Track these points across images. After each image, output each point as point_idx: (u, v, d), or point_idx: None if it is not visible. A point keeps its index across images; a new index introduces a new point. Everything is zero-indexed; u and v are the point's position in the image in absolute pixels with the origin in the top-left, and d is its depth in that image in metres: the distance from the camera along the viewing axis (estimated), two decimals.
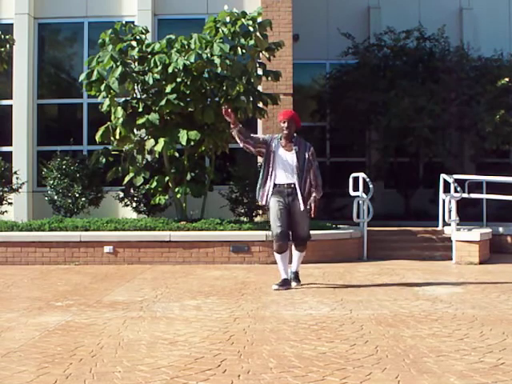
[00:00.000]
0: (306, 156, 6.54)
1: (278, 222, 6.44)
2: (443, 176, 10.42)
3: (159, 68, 9.10)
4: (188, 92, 9.28)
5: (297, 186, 6.45)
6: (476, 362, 3.78)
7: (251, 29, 9.41)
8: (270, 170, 6.50)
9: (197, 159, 10.36)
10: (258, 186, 6.63)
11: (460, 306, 5.59)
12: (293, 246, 6.74)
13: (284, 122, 6.52)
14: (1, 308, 5.55)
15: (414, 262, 9.17)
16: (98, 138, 9.46)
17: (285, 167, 6.47)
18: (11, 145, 11.70)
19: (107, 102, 9.26)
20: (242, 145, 6.53)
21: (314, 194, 6.51)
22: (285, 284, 6.55)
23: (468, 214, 11.19)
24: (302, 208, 6.44)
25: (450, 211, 9.66)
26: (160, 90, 9.38)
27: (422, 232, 10.43)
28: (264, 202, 6.58)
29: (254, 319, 5.03)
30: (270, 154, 6.49)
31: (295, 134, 6.64)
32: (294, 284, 6.68)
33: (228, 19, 9.43)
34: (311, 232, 8.10)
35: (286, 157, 6.49)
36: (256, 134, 11.56)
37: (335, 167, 14.33)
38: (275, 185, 6.47)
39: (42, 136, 12.06)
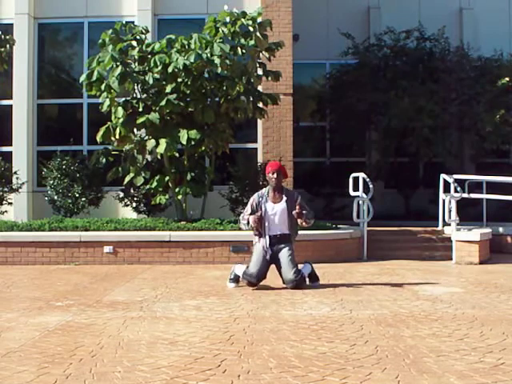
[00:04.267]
0: (295, 202, 6.64)
1: (257, 265, 6.53)
2: (443, 176, 10.42)
3: (159, 68, 9.11)
4: (188, 92, 9.29)
5: (290, 234, 6.66)
6: (476, 362, 3.77)
7: (251, 29, 9.41)
8: (264, 224, 6.58)
9: (197, 159, 10.36)
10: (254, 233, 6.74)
11: (460, 306, 5.59)
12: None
13: (273, 173, 6.65)
14: (1, 308, 5.55)
15: (414, 262, 9.17)
16: (98, 138, 9.46)
17: (276, 218, 6.59)
18: (11, 145, 11.70)
19: (107, 102, 9.26)
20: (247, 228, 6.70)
21: (304, 217, 6.55)
22: (237, 280, 6.72)
23: (468, 214, 11.19)
24: (290, 252, 6.57)
25: (449, 211, 9.67)
26: (160, 90, 9.38)
27: (422, 232, 10.43)
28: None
29: (254, 319, 5.03)
30: (263, 210, 6.59)
31: (282, 186, 6.80)
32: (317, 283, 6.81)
33: (228, 19, 9.43)
34: (311, 232, 8.10)
35: (276, 208, 6.60)
36: (256, 134, 11.67)
37: (335, 167, 14.35)
38: (270, 236, 6.59)
39: (42, 136, 12.06)
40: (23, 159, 11.60)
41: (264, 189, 6.87)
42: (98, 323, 4.89)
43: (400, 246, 9.89)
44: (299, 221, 6.56)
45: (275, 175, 6.63)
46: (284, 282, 6.60)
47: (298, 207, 6.48)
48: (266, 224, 6.57)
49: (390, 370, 3.61)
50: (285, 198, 6.64)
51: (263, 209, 6.59)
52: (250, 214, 6.60)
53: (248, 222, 6.58)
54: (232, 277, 6.75)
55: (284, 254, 6.56)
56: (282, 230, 6.62)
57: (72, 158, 10.71)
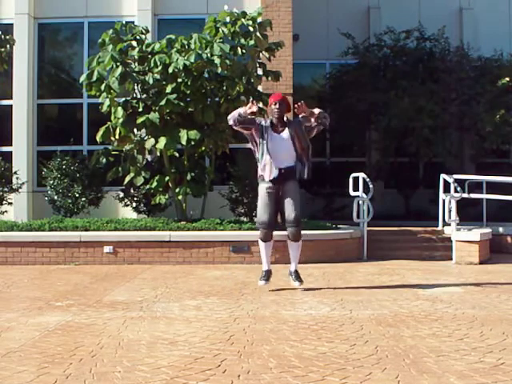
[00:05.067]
0: (300, 128, 6.37)
1: (266, 208, 6.36)
2: (443, 176, 10.42)
3: (159, 68, 9.11)
4: (188, 92, 9.28)
5: (295, 167, 6.36)
6: (476, 361, 3.77)
7: (251, 29, 9.41)
8: (266, 156, 6.33)
9: (197, 159, 10.36)
10: (259, 170, 6.49)
11: (460, 306, 5.59)
12: (288, 241, 6.51)
13: (276, 104, 6.43)
14: (1, 308, 5.55)
15: (413, 261, 9.17)
16: (98, 138, 9.46)
17: (280, 150, 6.34)
18: (11, 145, 11.70)
19: (107, 102, 9.26)
20: (234, 124, 6.38)
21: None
22: (269, 277, 6.54)
23: (468, 214, 11.19)
24: (295, 187, 6.31)
25: (450, 211, 9.66)
26: (160, 90, 9.38)
27: (422, 232, 10.43)
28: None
29: (254, 319, 5.03)
30: (265, 142, 6.33)
31: (286, 117, 6.55)
32: (296, 284, 6.51)
33: (228, 19, 9.43)
34: (311, 232, 8.09)
35: (279, 139, 6.35)
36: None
37: (335, 167, 14.35)
38: (277, 170, 6.32)
39: (42, 136, 12.06)
40: (23, 159, 11.60)
41: (267, 119, 6.59)
42: (98, 323, 4.89)
43: (400, 246, 9.89)
44: (312, 121, 6.28)
45: (277, 105, 6.40)
46: (285, 222, 6.36)
47: (310, 119, 6.26)
48: (271, 155, 6.30)
49: (390, 370, 3.61)
50: (287, 128, 6.38)
51: (265, 136, 6.31)
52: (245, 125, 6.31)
53: (239, 114, 6.24)
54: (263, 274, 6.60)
55: (290, 191, 6.31)
56: (288, 162, 6.36)
57: (72, 158, 10.71)
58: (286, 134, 6.40)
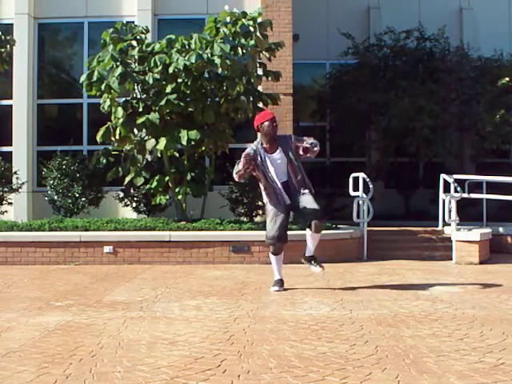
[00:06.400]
0: (292, 146, 6.33)
1: (275, 221, 6.34)
2: (443, 176, 10.42)
3: (159, 68, 9.11)
4: (188, 92, 9.28)
5: (293, 181, 6.32)
6: (476, 361, 3.78)
7: (252, 29, 9.41)
8: (268, 176, 6.34)
9: (197, 159, 10.36)
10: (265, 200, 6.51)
11: (460, 306, 5.59)
12: (309, 233, 6.44)
13: (272, 122, 6.34)
14: (1, 308, 5.55)
15: (413, 261, 9.17)
16: (98, 138, 9.46)
17: (276, 169, 6.34)
18: (11, 145, 11.69)
19: (108, 102, 9.26)
20: (237, 178, 6.40)
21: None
22: (282, 284, 6.54)
23: (468, 214, 11.19)
24: (303, 191, 6.30)
25: (449, 211, 9.67)
26: (160, 90, 9.38)
27: (422, 232, 10.43)
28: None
29: (254, 319, 5.03)
30: (262, 167, 6.34)
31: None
32: (318, 270, 6.51)
33: (228, 19, 9.44)
34: None
35: (275, 160, 6.35)
36: (256, 134, 11.63)
37: (335, 167, 14.35)
38: (281, 183, 6.32)
39: (42, 136, 12.06)
40: (23, 159, 11.59)
41: (255, 142, 6.52)
42: (98, 323, 4.89)
43: (400, 246, 9.89)
44: (309, 154, 6.26)
45: (274, 124, 6.35)
46: (307, 219, 6.33)
47: (300, 147, 6.23)
48: (272, 174, 6.30)
49: (390, 370, 3.61)
50: (279, 148, 6.34)
51: (265, 161, 6.31)
52: (247, 170, 6.30)
53: (241, 167, 6.22)
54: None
55: (305, 195, 6.29)
56: (284, 178, 6.34)
57: (72, 158, 10.71)
58: (278, 154, 6.36)
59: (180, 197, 9.81)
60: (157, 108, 9.23)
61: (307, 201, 6.31)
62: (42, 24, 12.13)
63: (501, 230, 10.59)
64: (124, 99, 9.57)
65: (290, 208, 6.43)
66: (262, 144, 6.42)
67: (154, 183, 9.76)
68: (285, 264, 7.61)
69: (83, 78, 9.31)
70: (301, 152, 6.26)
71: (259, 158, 6.33)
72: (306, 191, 6.36)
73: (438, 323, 4.87)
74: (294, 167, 6.35)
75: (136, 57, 9.52)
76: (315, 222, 6.33)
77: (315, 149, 6.31)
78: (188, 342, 4.27)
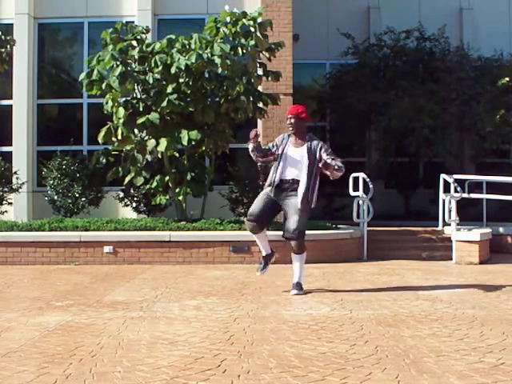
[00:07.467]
0: (318, 153, 6.27)
1: (257, 203, 6.28)
2: (443, 176, 10.42)
3: (160, 68, 9.11)
4: (189, 92, 9.28)
5: (302, 182, 6.20)
6: (476, 361, 3.78)
7: (252, 29, 9.41)
8: (277, 164, 6.30)
9: (197, 159, 10.36)
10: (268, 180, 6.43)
11: (460, 306, 5.59)
12: (292, 253, 6.35)
13: (287, 119, 6.40)
14: (1, 308, 5.55)
15: (413, 261, 9.17)
16: (100, 139, 9.45)
17: (292, 163, 6.26)
18: (11, 145, 11.69)
19: (110, 102, 9.27)
20: (256, 159, 6.44)
21: (333, 163, 6.16)
22: (266, 260, 6.47)
23: (468, 214, 11.19)
24: (299, 206, 6.15)
25: (449, 211, 9.67)
26: (160, 90, 9.38)
27: (422, 232, 10.43)
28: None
29: (254, 319, 5.03)
30: (281, 151, 6.32)
31: (306, 132, 6.44)
32: (293, 292, 6.23)
33: (228, 19, 9.43)
34: (311, 232, 8.06)
35: (295, 153, 6.28)
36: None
37: None
38: (281, 180, 6.25)
39: (42, 136, 12.05)
40: (23, 159, 11.59)
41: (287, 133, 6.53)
42: (98, 323, 4.89)
43: (400, 246, 9.89)
44: (328, 172, 6.17)
45: (289, 121, 6.36)
46: (283, 234, 6.30)
47: (322, 158, 6.15)
48: (281, 164, 6.26)
49: (390, 370, 3.61)
50: (306, 145, 6.29)
51: (283, 147, 6.30)
52: (265, 155, 6.36)
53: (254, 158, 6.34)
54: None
55: (292, 203, 6.18)
56: (297, 175, 6.24)
57: (72, 158, 10.71)
58: (302, 151, 6.28)
59: (180, 197, 9.81)
60: (157, 108, 9.23)
61: (290, 212, 6.18)
62: (42, 24, 12.13)
63: (501, 229, 10.59)
64: (124, 99, 9.57)
65: (277, 203, 6.31)
66: (289, 136, 6.42)
67: (154, 183, 9.77)
68: (284, 264, 7.63)
69: (82, 76, 9.31)
70: (320, 164, 6.17)
71: (280, 150, 6.31)
72: (294, 197, 6.18)
73: (437, 323, 4.88)
74: (308, 173, 6.21)
75: (136, 57, 9.51)
76: (293, 243, 6.21)
77: (336, 172, 6.18)
78: (188, 342, 4.27)
